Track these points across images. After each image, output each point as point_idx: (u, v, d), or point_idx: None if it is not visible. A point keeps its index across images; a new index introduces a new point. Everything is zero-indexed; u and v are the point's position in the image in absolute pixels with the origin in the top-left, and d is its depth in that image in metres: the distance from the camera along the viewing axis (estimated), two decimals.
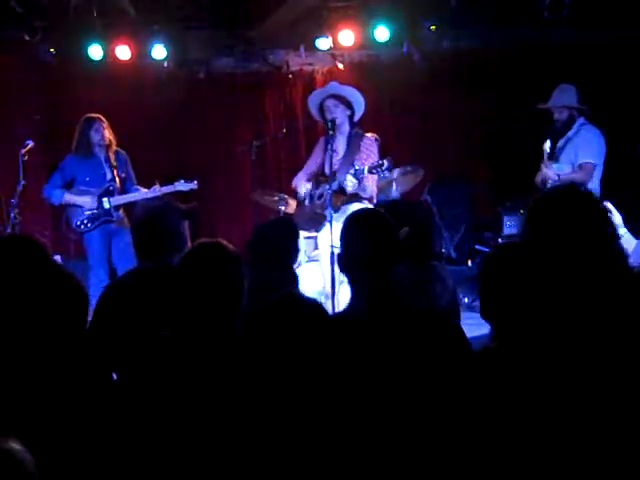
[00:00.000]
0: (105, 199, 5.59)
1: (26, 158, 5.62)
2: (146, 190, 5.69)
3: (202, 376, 2.03)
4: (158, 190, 5.64)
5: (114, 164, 5.68)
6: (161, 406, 1.99)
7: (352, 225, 2.29)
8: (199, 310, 2.13)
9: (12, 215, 5.56)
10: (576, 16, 6.00)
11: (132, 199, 5.68)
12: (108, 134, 5.61)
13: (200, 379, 2.03)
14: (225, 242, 2.26)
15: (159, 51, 6.76)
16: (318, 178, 5.27)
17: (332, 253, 4.56)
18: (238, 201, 7.35)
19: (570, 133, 5.16)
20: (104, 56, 6.69)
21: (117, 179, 5.68)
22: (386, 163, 4.70)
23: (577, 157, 5.05)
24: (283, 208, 5.83)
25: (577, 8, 5.94)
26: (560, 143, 5.22)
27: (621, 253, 2.08)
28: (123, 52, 6.70)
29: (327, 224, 5.04)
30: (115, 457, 1.81)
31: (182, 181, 5.70)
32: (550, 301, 1.82)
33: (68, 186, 5.65)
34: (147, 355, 2.12)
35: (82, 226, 5.58)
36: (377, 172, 4.76)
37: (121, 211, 5.75)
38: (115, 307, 2.83)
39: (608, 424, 1.70)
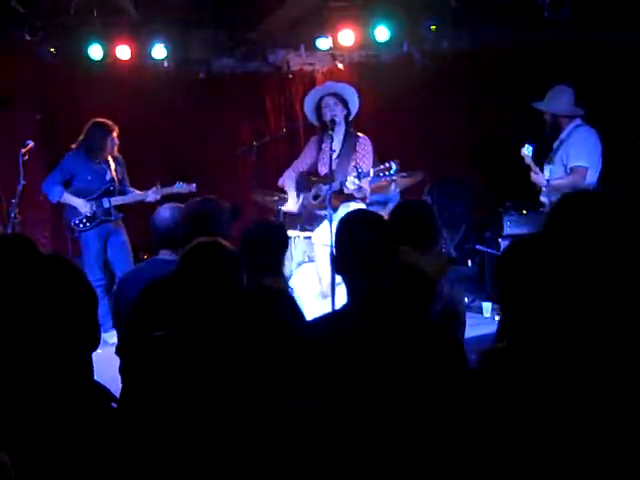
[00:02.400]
0: (105, 199, 5.64)
1: (26, 158, 5.65)
2: (146, 192, 5.74)
3: (201, 376, 2.03)
4: (159, 191, 5.71)
5: (113, 166, 5.74)
6: (159, 407, 1.99)
7: (346, 226, 2.30)
8: (198, 309, 2.13)
9: (12, 215, 5.58)
10: (576, 16, 6.00)
11: (131, 199, 5.75)
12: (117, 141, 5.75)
13: (199, 379, 2.03)
14: (223, 241, 2.26)
15: (159, 51, 6.76)
16: (310, 178, 5.26)
17: (331, 253, 4.55)
18: (238, 201, 7.34)
19: (564, 135, 5.16)
20: (104, 56, 6.69)
21: (117, 181, 5.74)
22: (394, 166, 4.67)
23: (569, 160, 5.05)
24: (283, 208, 5.82)
25: (577, 8, 5.93)
26: (555, 145, 5.23)
27: None
28: (123, 52, 6.70)
29: (322, 224, 5.06)
30: (116, 458, 1.80)
31: (181, 183, 5.77)
32: (568, 300, 1.80)
33: (66, 183, 5.70)
34: (144, 356, 2.12)
35: (80, 224, 5.65)
36: (384, 175, 4.74)
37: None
38: (159, 302, 2.77)
39: (624, 426, 1.68)
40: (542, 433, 1.68)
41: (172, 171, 7.13)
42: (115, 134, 5.71)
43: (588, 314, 1.79)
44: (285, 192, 5.52)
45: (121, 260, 5.69)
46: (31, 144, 5.70)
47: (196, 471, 1.92)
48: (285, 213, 5.78)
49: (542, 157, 5.27)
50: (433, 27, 6.52)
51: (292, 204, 5.29)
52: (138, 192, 5.81)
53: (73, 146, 5.73)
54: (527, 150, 5.08)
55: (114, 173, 5.76)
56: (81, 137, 5.70)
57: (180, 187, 5.77)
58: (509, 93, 6.74)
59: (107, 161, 5.74)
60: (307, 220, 5.27)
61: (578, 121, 5.16)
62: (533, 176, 5.16)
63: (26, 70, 6.88)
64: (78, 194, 5.66)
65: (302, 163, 5.30)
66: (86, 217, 5.64)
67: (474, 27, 6.60)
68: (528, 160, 5.10)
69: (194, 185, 5.81)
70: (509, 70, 6.83)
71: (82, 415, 1.74)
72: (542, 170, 5.21)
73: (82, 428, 1.72)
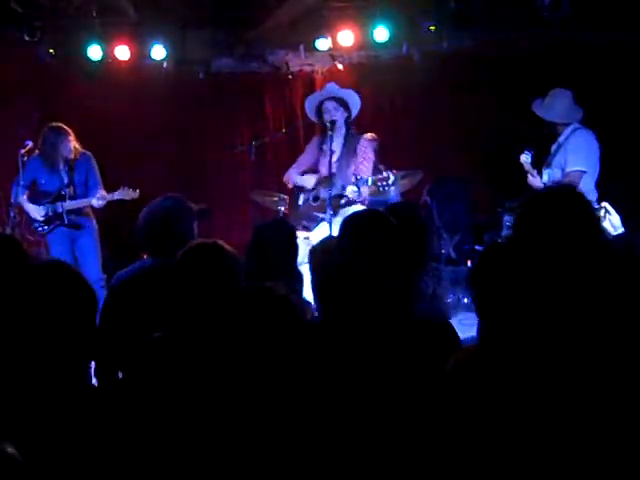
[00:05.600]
0: (59, 204, 5.63)
1: (25, 159, 5.62)
2: (90, 198, 5.62)
3: (200, 376, 2.03)
4: (104, 197, 5.59)
5: (73, 167, 5.67)
6: (157, 407, 1.99)
7: (355, 224, 2.30)
8: (197, 310, 2.13)
9: (12, 215, 5.58)
10: (576, 16, 6.00)
11: (81, 204, 5.67)
12: (73, 145, 5.65)
13: (198, 379, 2.03)
14: (222, 242, 2.26)
15: (158, 51, 6.76)
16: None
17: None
18: (238, 201, 7.35)
19: (561, 139, 5.17)
20: (103, 56, 6.69)
21: (72, 185, 5.66)
22: (392, 177, 4.73)
23: (567, 164, 5.06)
24: (282, 208, 5.82)
25: (577, 9, 5.93)
26: (552, 149, 5.24)
27: (610, 249, 2.10)
28: (122, 52, 6.70)
29: (321, 225, 5.08)
30: (113, 457, 1.80)
31: (126, 188, 5.64)
32: (541, 300, 1.81)
33: (32, 187, 5.70)
34: (143, 356, 2.12)
35: (39, 228, 5.67)
36: (381, 185, 4.79)
37: (91, 214, 5.76)
38: (125, 302, 2.83)
39: (601, 423, 1.70)
40: (517, 432, 1.68)
41: (171, 171, 7.14)
42: (71, 138, 5.61)
43: (559, 314, 1.80)
44: (285, 193, 5.53)
45: (86, 265, 5.61)
46: (30, 144, 5.68)
47: (195, 474, 1.92)
48: (283, 214, 5.78)
49: (541, 161, 5.28)
50: (432, 27, 6.52)
51: (312, 181, 5.26)
52: (87, 198, 5.64)
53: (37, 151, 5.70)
54: (526, 157, 5.11)
55: (72, 176, 5.67)
56: (39, 142, 5.64)
57: (122, 193, 5.63)
58: (509, 93, 6.73)
59: (67, 164, 5.66)
60: (306, 220, 5.30)
61: (576, 124, 5.17)
62: (530, 179, 5.18)
63: (25, 70, 6.87)
64: (38, 197, 5.67)
65: (303, 163, 5.37)
66: (43, 221, 5.64)
67: (474, 27, 6.61)
68: (527, 167, 5.13)
69: (137, 191, 5.62)
70: (508, 70, 6.83)
71: (77, 419, 1.74)
72: (540, 174, 5.21)
73: (78, 432, 1.71)
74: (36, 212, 5.65)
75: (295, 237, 3.26)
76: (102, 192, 5.62)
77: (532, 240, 2.02)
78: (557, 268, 1.87)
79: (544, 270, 1.84)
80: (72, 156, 5.66)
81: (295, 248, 3.24)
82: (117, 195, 5.63)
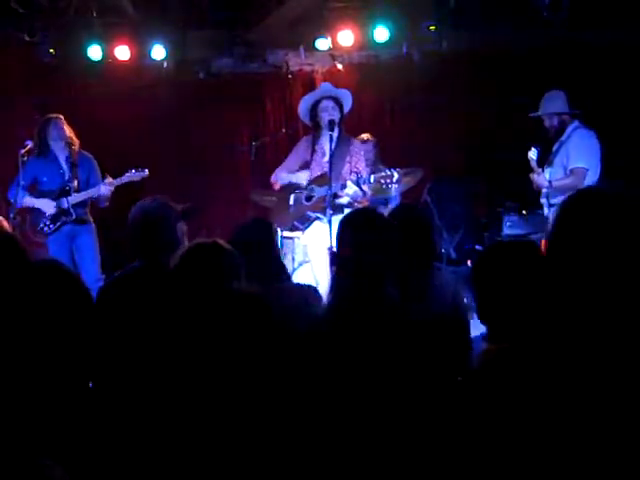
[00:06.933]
0: (63, 199, 5.55)
1: (25, 159, 5.61)
2: (97, 187, 5.55)
3: (199, 376, 2.03)
4: (112, 182, 5.54)
5: (75, 163, 5.62)
6: (156, 407, 1.99)
7: (347, 226, 2.30)
8: (195, 310, 2.13)
9: (11, 215, 5.55)
10: (575, 17, 6.00)
11: (88, 195, 5.58)
12: (68, 131, 5.59)
13: (197, 379, 2.02)
14: (222, 242, 2.26)
15: (158, 51, 6.76)
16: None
17: (332, 254, 4.53)
18: (238, 201, 7.35)
19: (563, 137, 5.17)
20: (103, 56, 6.70)
21: (76, 179, 5.61)
22: (396, 175, 4.66)
23: (569, 161, 5.06)
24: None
25: (576, 9, 5.93)
26: (554, 147, 5.24)
27: None
28: (122, 52, 6.71)
29: (313, 225, 5.04)
30: (112, 465, 1.80)
31: (133, 171, 5.56)
32: (556, 303, 1.78)
33: (32, 188, 5.63)
34: (140, 355, 2.12)
35: (45, 228, 5.57)
36: (385, 183, 4.72)
37: (87, 211, 5.71)
38: (111, 304, 2.83)
39: (612, 428, 1.68)
40: (537, 434, 1.67)
41: (171, 171, 7.14)
42: (61, 122, 5.54)
43: (587, 315, 1.77)
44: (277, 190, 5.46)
45: (84, 265, 5.55)
46: (30, 144, 5.66)
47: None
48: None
49: (542, 159, 5.27)
50: (432, 27, 6.53)
51: (304, 177, 5.17)
52: (93, 188, 5.56)
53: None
54: (533, 154, 5.09)
55: (75, 171, 5.60)
56: (35, 138, 5.59)
57: (131, 175, 5.54)
58: (509, 93, 6.74)
59: (69, 158, 5.60)
60: (297, 220, 5.22)
61: (577, 123, 5.18)
62: (535, 177, 5.16)
63: (25, 70, 6.88)
64: (40, 197, 5.59)
65: (294, 163, 5.24)
66: (49, 219, 5.58)
67: (473, 27, 6.61)
68: (533, 163, 5.12)
69: (146, 170, 5.55)
70: (508, 70, 6.83)
71: (76, 421, 1.74)
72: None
73: (78, 434, 1.71)
74: (47, 205, 5.54)
75: (274, 232, 3.23)
76: (109, 178, 5.55)
77: (572, 241, 1.93)
78: (598, 274, 1.79)
79: (574, 274, 1.77)
80: (66, 139, 5.56)
81: (274, 242, 3.20)
82: (125, 178, 5.54)
